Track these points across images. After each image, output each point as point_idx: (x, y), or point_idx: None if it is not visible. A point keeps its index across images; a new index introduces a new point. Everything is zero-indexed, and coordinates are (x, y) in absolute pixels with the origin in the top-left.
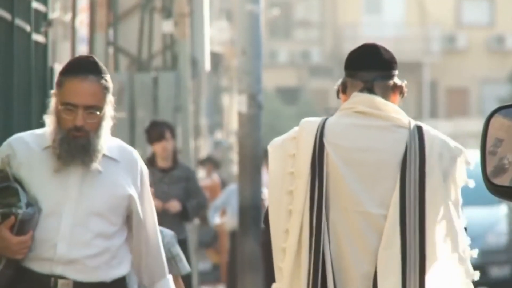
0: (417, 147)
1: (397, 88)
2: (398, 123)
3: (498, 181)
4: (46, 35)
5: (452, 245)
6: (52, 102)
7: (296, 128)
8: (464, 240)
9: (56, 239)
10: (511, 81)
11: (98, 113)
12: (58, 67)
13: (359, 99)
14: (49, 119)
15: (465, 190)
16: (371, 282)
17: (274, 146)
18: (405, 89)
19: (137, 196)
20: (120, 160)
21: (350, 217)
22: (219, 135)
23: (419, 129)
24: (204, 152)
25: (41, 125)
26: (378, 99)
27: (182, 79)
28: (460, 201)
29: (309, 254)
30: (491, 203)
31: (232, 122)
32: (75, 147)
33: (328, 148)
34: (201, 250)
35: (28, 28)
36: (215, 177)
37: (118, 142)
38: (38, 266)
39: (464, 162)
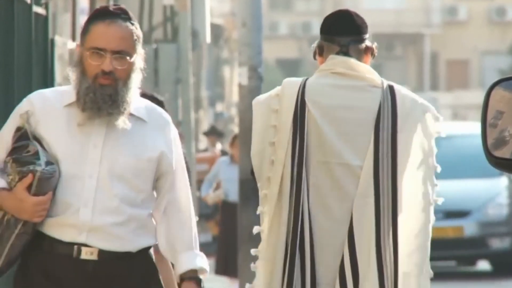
0: (389, 105)
1: (368, 50)
2: (373, 83)
3: (498, 153)
4: (46, 7)
5: (422, 192)
6: (76, 53)
7: (278, 87)
8: (432, 186)
9: (79, 203)
10: (511, 53)
11: (128, 58)
12: (58, 39)
13: (337, 61)
14: (72, 72)
15: (466, 163)
16: (347, 228)
17: (258, 102)
18: (375, 50)
19: (169, 158)
20: (148, 121)
21: (330, 168)
22: (219, 107)
23: (391, 88)
24: (205, 124)
25: None
26: (354, 61)
27: (183, 51)
28: (434, 150)
29: (289, 202)
30: (491, 175)
31: (233, 94)
32: (101, 97)
33: (309, 105)
34: (202, 222)
35: (28, 0)
36: (218, 147)
37: (147, 102)
38: (59, 233)
39: (432, 117)
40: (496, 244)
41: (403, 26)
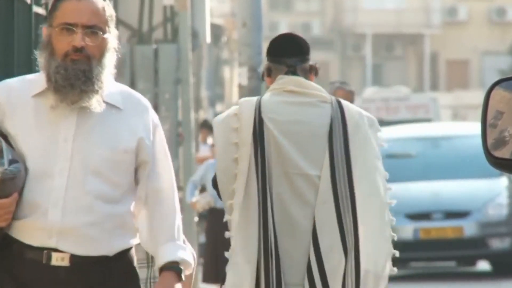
0: (339, 118)
1: (312, 69)
2: (322, 99)
3: (498, 153)
4: (46, 7)
5: (375, 194)
6: (44, 34)
7: (235, 106)
8: (385, 189)
9: (48, 204)
10: (511, 53)
11: (100, 34)
12: None
13: (287, 80)
14: (40, 55)
15: (466, 163)
16: (309, 233)
17: (218, 122)
18: (318, 69)
19: (148, 146)
20: (124, 108)
21: (290, 178)
22: (219, 107)
23: (339, 103)
24: None
25: None
26: (303, 80)
27: (183, 51)
28: (380, 158)
29: (258, 211)
30: (491, 175)
31: (233, 95)
32: (73, 72)
33: (266, 121)
34: (202, 223)
35: (28, 0)
36: (209, 142)
37: (122, 87)
38: (29, 237)
39: (376, 128)
40: (496, 244)
41: (403, 26)
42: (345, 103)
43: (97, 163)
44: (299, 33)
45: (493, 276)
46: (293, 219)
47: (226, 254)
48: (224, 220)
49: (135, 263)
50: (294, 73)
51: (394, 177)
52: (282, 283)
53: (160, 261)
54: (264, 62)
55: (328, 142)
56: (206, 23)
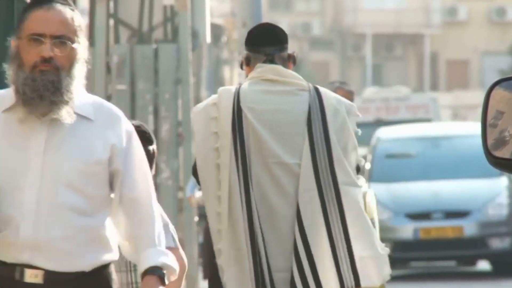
0: (318, 105)
1: (290, 58)
2: (300, 87)
3: (498, 153)
4: None
5: (355, 181)
6: (12, 46)
7: (214, 96)
8: (356, 177)
9: (19, 218)
10: (511, 53)
11: (69, 44)
12: None
13: (265, 69)
14: (9, 68)
15: (466, 163)
16: (290, 220)
17: (197, 111)
18: (296, 57)
19: (122, 155)
20: (95, 119)
21: (270, 168)
22: None
23: (317, 90)
24: None
25: None
26: (281, 68)
27: (183, 51)
28: (356, 146)
29: (240, 201)
30: (491, 175)
31: None
32: (42, 83)
33: (245, 111)
34: (202, 223)
35: (28, 0)
36: None
37: (93, 98)
38: (3, 253)
39: (354, 114)
40: (496, 244)
41: (403, 26)
42: (323, 90)
43: (69, 175)
44: (299, 33)
45: (493, 276)
46: (273, 208)
47: (215, 248)
48: (208, 213)
49: (113, 281)
50: (272, 61)
51: (394, 177)
52: (271, 270)
53: (142, 267)
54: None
55: (307, 129)
56: (206, 23)
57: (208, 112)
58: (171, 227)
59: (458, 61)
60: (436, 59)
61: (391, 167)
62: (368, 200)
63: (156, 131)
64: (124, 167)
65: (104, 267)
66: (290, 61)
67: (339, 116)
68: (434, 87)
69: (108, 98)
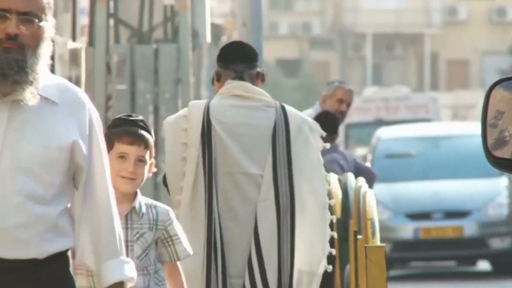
0: (283, 122)
1: (259, 75)
2: (267, 104)
3: (498, 153)
4: None
5: (314, 193)
6: None
7: (185, 109)
8: (323, 189)
9: None
10: (511, 53)
11: (36, 21)
12: (58, 39)
13: (234, 85)
14: None
15: (466, 163)
16: (251, 228)
17: (169, 122)
18: (265, 75)
19: (85, 147)
20: (60, 102)
21: (234, 177)
22: None
23: (283, 108)
24: None
25: None
26: (249, 85)
27: (183, 51)
28: (321, 160)
29: (204, 206)
30: (491, 175)
31: None
32: (6, 61)
33: (214, 123)
34: None
35: None
36: None
37: (58, 80)
38: None
39: (318, 133)
40: (496, 244)
41: (403, 26)
42: (288, 108)
43: (29, 160)
44: (299, 33)
45: (493, 276)
46: (236, 215)
47: None
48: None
49: (71, 268)
50: (241, 78)
51: (394, 177)
52: (227, 275)
53: (105, 281)
54: (265, 62)
55: (272, 143)
56: (206, 23)
57: (179, 124)
58: (184, 240)
59: (458, 61)
60: (436, 59)
61: (391, 167)
62: (368, 200)
63: (156, 131)
64: (87, 164)
65: (61, 254)
66: (258, 78)
67: (302, 133)
68: (434, 87)
69: (108, 98)
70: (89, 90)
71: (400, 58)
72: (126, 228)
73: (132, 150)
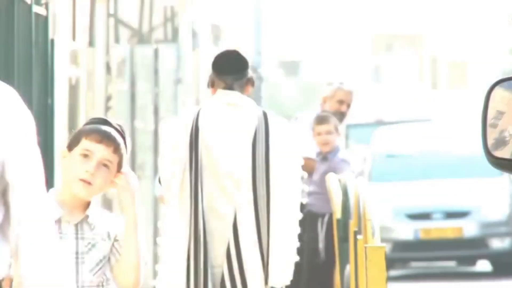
0: (263, 128)
1: (249, 81)
2: (251, 112)
3: (498, 153)
4: (46, 7)
5: (287, 194)
6: None
7: (179, 114)
8: (296, 191)
9: None
10: (511, 53)
11: None
12: (58, 40)
13: (224, 94)
14: None
15: (467, 162)
16: (231, 225)
17: (164, 127)
18: (254, 79)
19: (13, 156)
20: None
21: (219, 178)
22: None
23: (265, 115)
24: None
25: (43, 95)
26: (237, 94)
27: (183, 51)
28: (299, 164)
29: (190, 205)
30: (491, 175)
31: None
32: None
33: (201, 129)
34: None
35: (28, 0)
36: None
37: None
38: None
39: (297, 139)
40: (496, 244)
41: (403, 26)
42: (270, 115)
43: None
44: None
45: (493, 276)
46: (219, 213)
47: (158, 239)
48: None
49: None
50: (231, 88)
51: (394, 177)
52: (208, 265)
53: None
54: (261, 62)
55: (252, 148)
56: (206, 23)
57: (172, 129)
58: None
59: (458, 61)
60: (436, 59)
61: (391, 167)
62: (368, 200)
63: (156, 131)
64: (18, 180)
65: None
66: (248, 84)
67: (281, 140)
68: (434, 87)
69: (108, 98)
70: (89, 90)
71: (400, 58)
72: (76, 238)
73: (98, 149)
